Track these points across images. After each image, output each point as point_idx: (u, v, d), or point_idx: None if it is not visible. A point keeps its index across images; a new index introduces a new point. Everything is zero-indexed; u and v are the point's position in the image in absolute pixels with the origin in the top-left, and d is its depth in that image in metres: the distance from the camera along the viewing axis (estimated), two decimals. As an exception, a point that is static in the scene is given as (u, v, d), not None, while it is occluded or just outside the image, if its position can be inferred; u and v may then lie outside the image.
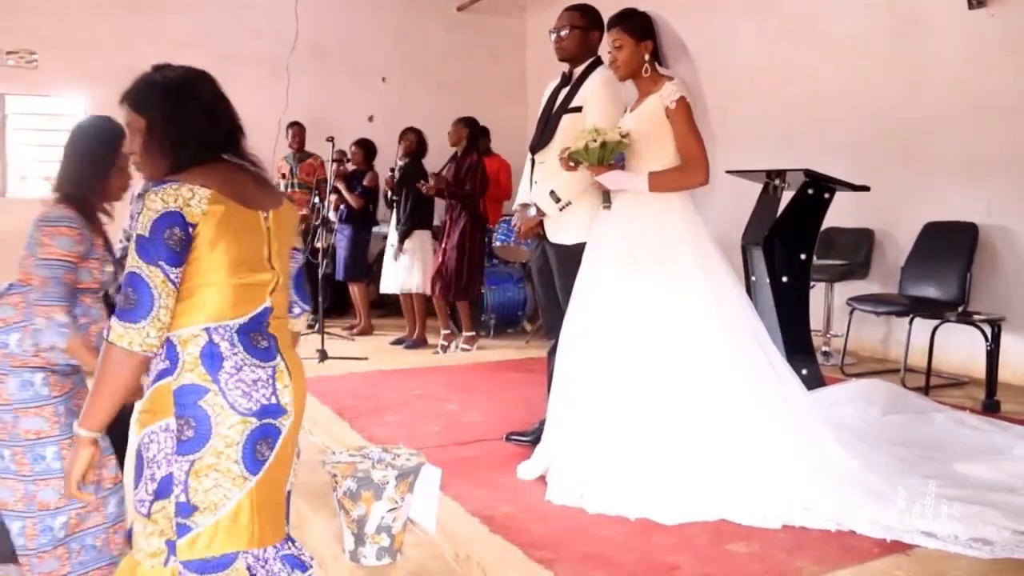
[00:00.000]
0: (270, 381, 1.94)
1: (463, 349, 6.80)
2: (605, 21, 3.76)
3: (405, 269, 7.05)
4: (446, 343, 6.90)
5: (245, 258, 1.92)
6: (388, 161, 7.66)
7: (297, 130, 8.32)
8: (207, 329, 1.88)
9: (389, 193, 7.23)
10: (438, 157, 7.29)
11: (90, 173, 2.70)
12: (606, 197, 3.55)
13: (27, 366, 2.53)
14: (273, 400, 1.94)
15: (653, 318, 3.35)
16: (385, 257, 7.33)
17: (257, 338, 1.94)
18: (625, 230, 3.47)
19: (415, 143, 7.18)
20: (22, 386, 2.52)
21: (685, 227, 3.44)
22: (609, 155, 3.46)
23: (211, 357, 1.87)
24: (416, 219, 7.04)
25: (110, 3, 8.45)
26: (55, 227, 2.53)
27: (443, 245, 6.83)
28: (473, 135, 6.83)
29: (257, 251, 1.96)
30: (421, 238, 7.09)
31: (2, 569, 3.11)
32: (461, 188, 6.67)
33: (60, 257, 2.52)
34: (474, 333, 6.91)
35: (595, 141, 3.42)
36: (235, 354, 1.89)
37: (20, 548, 2.54)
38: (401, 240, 7.03)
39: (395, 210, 7.16)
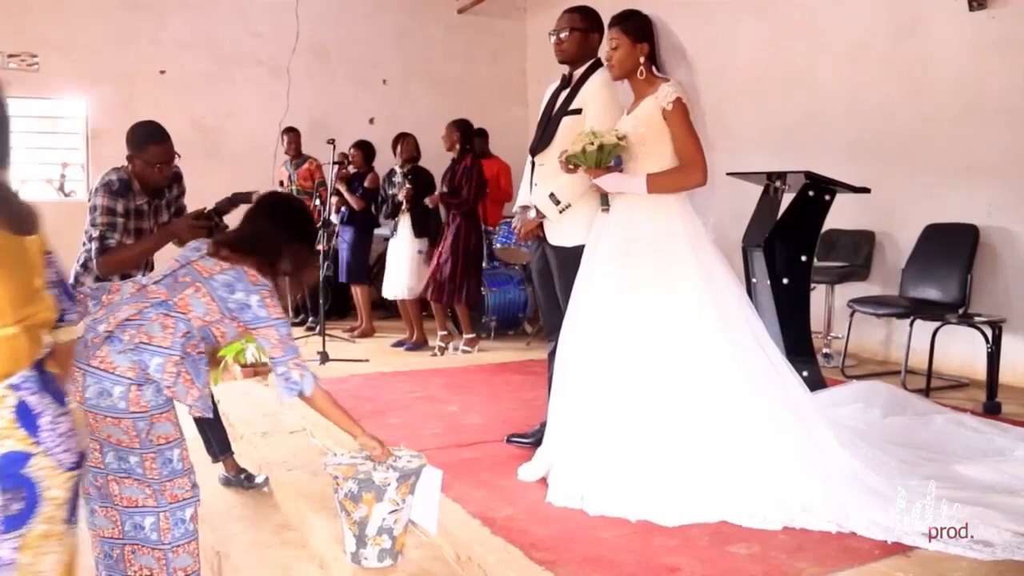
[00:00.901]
0: (74, 426, 1.77)
1: (463, 351, 6.79)
2: (605, 23, 3.77)
3: (415, 274, 7.02)
4: (443, 344, 6.89)
5: (23, 295, 1.67)
6: (388, 163, 7.66)
7: (292, 136, 8.28)
8: (12, 386, 1.65)
9: (405, 203, 7.08)
10: (438, 159, 7.28)
11: (285, 248, 2.70)
12: (604, 199, 3.55)
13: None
14: (82, 444, 1.79)
15: (652, 319, 3.35)
16: (389, 262, 7.30)
17: (50, 382, 1.74)
18: (624, 232, 3.47)
19: (415, 147, 7.18)
20: (156, 392, 2.43)
21: (683, 228, 3.44)
22: (606, 158, 3.47)
23: (26, 417, 1.66)
24: (437, 224, 7.02)
25: (111, 5, 8.47)
26: (267, 291, 2.54)
27: (439, 248, 6.83)
28: (466, 137, 6.80)
29: (30, 283, 1.69)
30: (418, 244, 7.08)
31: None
32: (457, 196, 6.65)
33: (283, 316, 2.55)
34: (474, 335, 6.91)
35: (592, 144, 3.43)
36: (46, 406, 1.70)
37: (155, 543, 2.47)
38: (432, 245, 6.99)
39: (409, 217, 7.06)
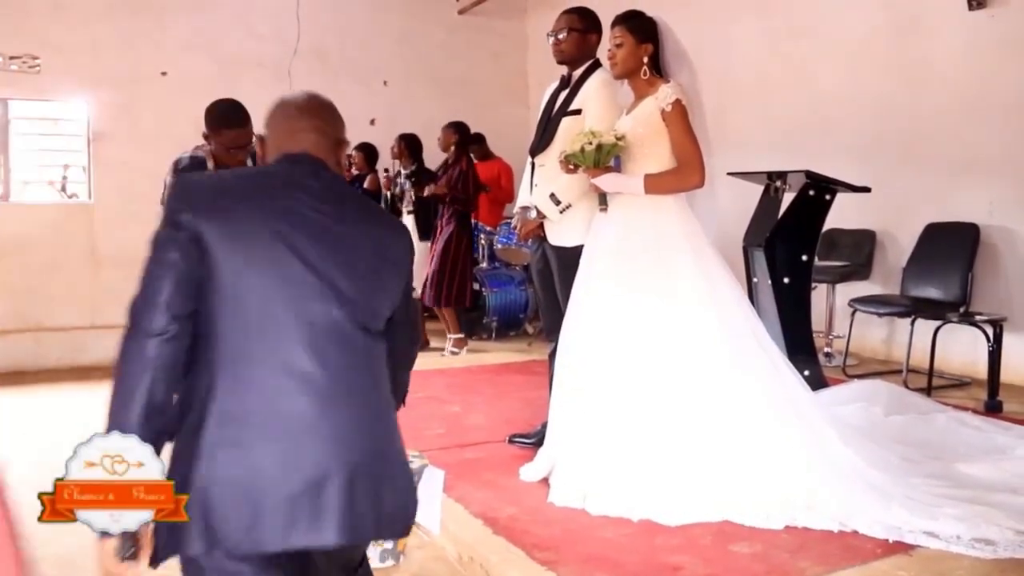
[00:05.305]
0: None
1: (451, 352, 6.75)
2: (603, 24, 3.78)
3: (415, 276, 6.98)
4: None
5: None
6: (388, 164, 7.65)
7: None
8: None
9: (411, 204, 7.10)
10: (434, 160, 7.27)
11: None
12: (602, 199, 3.56)
13: None
14: None
15: (652, 319, 3.36)
16: None
17: None
18: (622, 232, 3.48)
19: (414, 148, 7.18)
20: None
21: (681, 228, 3.45)
22: (605, 157, 3.48)
23: None
24: (419, 231, 6.98)
25: (111, 7, 8.45)
26: None
27: (431, 251, 6.82)
28: (462, 140, 6.80)
29: None
30: (423, 247, 7.03)
31: None
32: (457, 192, 6.66)
33: None
34: (462, 336, 6.88)
35: (591, 143, 3.44)
36: None
37: None
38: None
39: (413, 220, 7.01)
